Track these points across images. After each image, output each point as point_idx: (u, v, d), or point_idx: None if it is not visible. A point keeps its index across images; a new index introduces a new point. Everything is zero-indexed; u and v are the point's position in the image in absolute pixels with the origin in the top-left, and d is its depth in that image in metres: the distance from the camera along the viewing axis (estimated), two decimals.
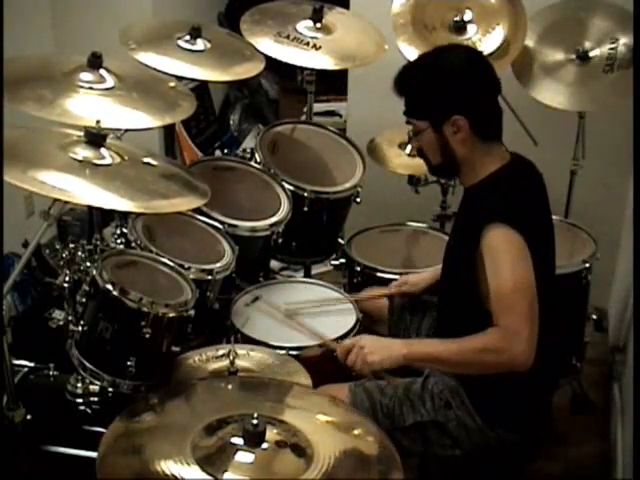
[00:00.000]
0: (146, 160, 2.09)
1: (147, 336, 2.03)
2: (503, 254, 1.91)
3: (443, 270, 2.22)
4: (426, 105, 2.05)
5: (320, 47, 2.91)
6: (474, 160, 2.04)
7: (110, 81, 2.17)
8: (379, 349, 1.99)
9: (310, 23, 2.96)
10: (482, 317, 1.93)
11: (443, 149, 2.04)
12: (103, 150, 1.95)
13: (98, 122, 1.95)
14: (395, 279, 2.55)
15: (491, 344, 1.88)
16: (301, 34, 2.93)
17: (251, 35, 2.88)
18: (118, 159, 1.97)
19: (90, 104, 2.10)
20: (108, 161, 1.95)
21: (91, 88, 2.13)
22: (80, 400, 2.21)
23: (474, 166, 2.05)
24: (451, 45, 2.13)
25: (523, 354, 1.86)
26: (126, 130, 2.29)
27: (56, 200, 1.88)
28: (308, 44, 2.91)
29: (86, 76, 2.15)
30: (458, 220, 2.20)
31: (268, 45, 2.86)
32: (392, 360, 1.98)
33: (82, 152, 1.92)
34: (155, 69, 2.52)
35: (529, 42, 2.91)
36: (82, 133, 1.97)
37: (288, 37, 2.91)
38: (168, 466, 1.49)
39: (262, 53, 2.84)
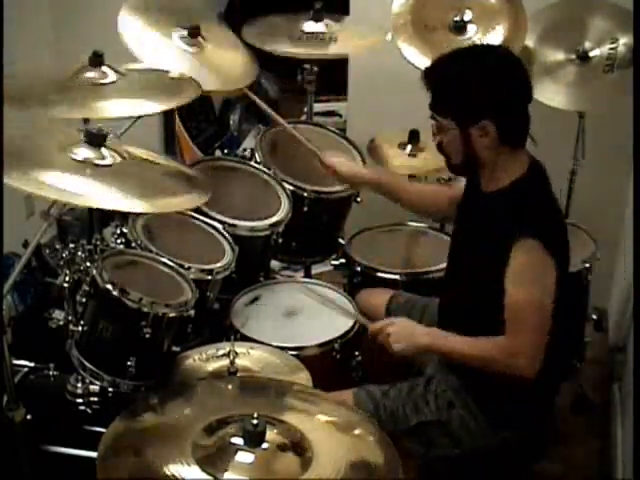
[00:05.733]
0: (146, 160, 2.08)
1: (147, 336, 2.03)
2: (528, 270, 1.92)
3: (450, 272, 2.21)
4: (455, 105, 1.99)
5: (336, 38, 2.96)
6: (496, 165, 2.02)
7: (112, 76, 2.19)
8: (405, 337, 2.07)
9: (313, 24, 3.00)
10: (491, 323, 1.95)
11: (466, 150, 2.00)
12: (103, 150, 1.95)
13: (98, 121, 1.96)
14: (395, 279, 2.56)
15: (500, 356, 1.93)
16: (311, 33, 2.96)
17: (263, 44, 2.88)
18: (119, 159, 1.97)
19: (93, 99, 2.12)
20: (109, 161, 1.94)
21: (94, 84, 2.16)
22: (80, 400, 2.21)
23: (496, 171, 2.03)
24: (490, 46, 2.03)
25: (529, 369, 1.91)
26: (134, 120, 2.28)
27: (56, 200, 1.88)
28: (323, 39, 2.95)
29: (90, 75, 2.17)
30: (472, 223, 2.13)
31: (286, 48, 2.90)
32: (415, 350, 2.08)
33: (82, 152, 1.92)
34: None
35: (529, 42, 2.89)
36: (82, 133, 1.97)
37: (300, 39, 2.95)
38: (168, 466, 1.49)
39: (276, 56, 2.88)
